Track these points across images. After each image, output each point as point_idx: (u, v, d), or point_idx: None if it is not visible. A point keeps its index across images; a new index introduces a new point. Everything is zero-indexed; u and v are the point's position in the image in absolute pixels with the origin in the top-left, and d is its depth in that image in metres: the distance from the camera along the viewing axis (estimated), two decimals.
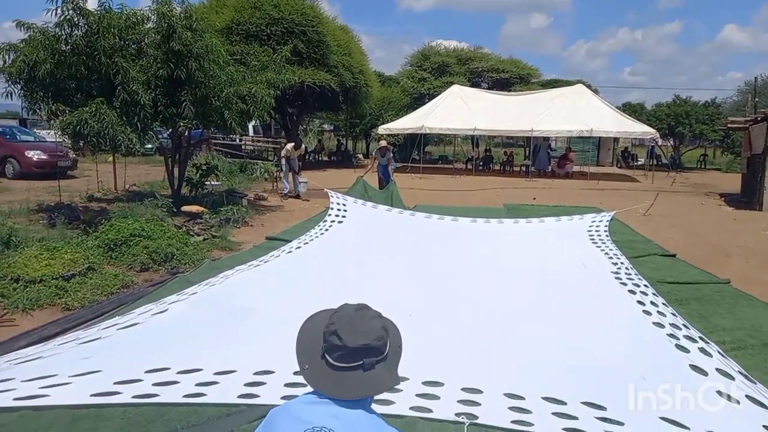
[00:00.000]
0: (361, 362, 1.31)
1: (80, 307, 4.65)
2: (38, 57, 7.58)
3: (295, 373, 3.24)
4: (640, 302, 5.00)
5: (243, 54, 16.04)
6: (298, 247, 6.92)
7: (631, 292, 5.32)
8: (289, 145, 13.19)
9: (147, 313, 4.50)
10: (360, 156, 31.35)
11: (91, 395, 3.00)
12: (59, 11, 7.60)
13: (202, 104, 8.97)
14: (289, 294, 5.08)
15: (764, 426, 2.76)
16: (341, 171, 22.34)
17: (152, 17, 8.77)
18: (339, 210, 9.22)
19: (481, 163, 24.74)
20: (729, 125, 17.54)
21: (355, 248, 7.26)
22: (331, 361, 1.32)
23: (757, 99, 20.39)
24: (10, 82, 8.17)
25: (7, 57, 8.01)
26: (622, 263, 6.49)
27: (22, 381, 3.14)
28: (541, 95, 24.52)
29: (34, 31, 7.88)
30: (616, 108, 24.36)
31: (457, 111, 22.67)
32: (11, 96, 8.38)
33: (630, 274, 5.94)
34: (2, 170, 14.05)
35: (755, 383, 3.37)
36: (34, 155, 14.05)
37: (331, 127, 40.53)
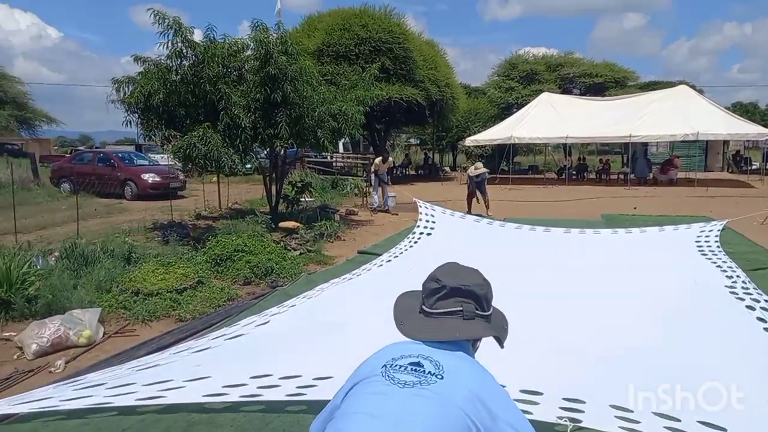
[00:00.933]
0: (461, 308, 1.29)
1: (192, 319, 5.03)
2: (153, 87, 8.34)
3: None
4: (760, 319, 4.57)
5: (333, 74, 16.73)
6: (389, 261, 7.04)
7: (750, 308, 4.88)
8: (378, 159, 13.50)
9: (251, 324, 4.79)
10: (447, 169, 31.29)
11: (203, 396, 3.25)
12: (170, 44, 8.33)
13: (297, 124, 9.40)
14: (379, 306, 5.17)
15: None
16: (428, 184, 22.42)
17: (251, 44, 9.37)
18: (428, 221, 9.26)
19: (574, 172, 23.80)
20: None
21: (444, 259, 7.25)
22: (429, 309, 1.30)
23: None
24: (129, 112, 9.05)
25: (126, 89, 8.86)
26: (738, 276, 5.96)
27: (142, 385, 3.46)
28: (640, 98, 23.18)
29: (148, 64, 8.69)
30: (724, 109, 22.51)
31: (548, 119, 22.03)
32: (130, 124, 9.26)
33: (748, 289, 5.45)
34: (122, 192, 15.51)
35: None
36: (150, 178, 15.46)
37: (418, 141, 40.88)
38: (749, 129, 19.26)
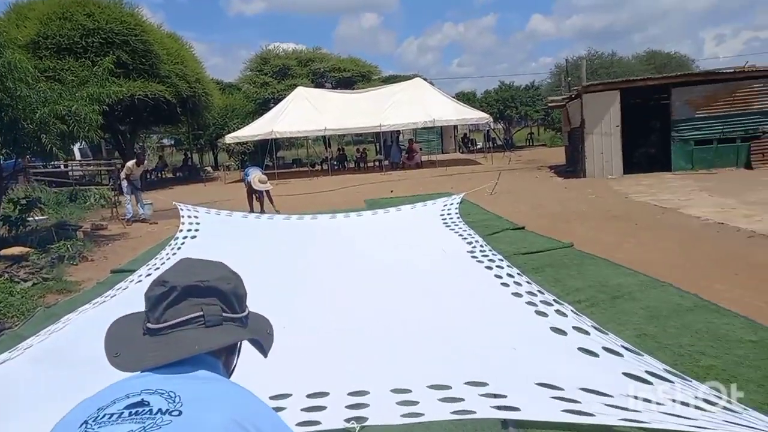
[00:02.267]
0: (200, 313, 0.95)
1: None
2: None
3: None
4: (497, 276, 5.31)
5: (56, 70, 14.35)
6: (149, 275, 6.27)
7: (488, 268, 5.64)
8: (130, 163, 11.91)
9: None
10: (209, 168, 29.81)
11: None
12: None
13: (12, 130, 7.76)
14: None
15: (623, 373, 3.02)
16: (190, 186, 21.05)
17: None
18: (191, 224, 8.58)
19: (335, 163, 24.90)
20: (549, 104, 19.68)
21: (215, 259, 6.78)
22: (154, 325, 0.95)
23: (569, 78, 23.12)
24: None
25: None
26: (476, 241, 6.86)
27: None
28: (384, 90, 25.33)
29: None
30: (452, 97, 26.02)
31: (306, 113, 22.53)
32: None
33: (484, 251, 6.30)
34: None
35: (607, 334, 3.71)
36: None
37: (173, 142, 38.05)
38: (473, 114, 22.64)
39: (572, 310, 4.17)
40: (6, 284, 5.86)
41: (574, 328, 3.81)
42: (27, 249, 7.71)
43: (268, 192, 11.42)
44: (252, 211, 11.16)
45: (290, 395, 3.04)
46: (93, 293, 5.82)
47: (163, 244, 8.55)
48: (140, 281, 5.97)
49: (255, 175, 11.23)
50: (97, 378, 3.57)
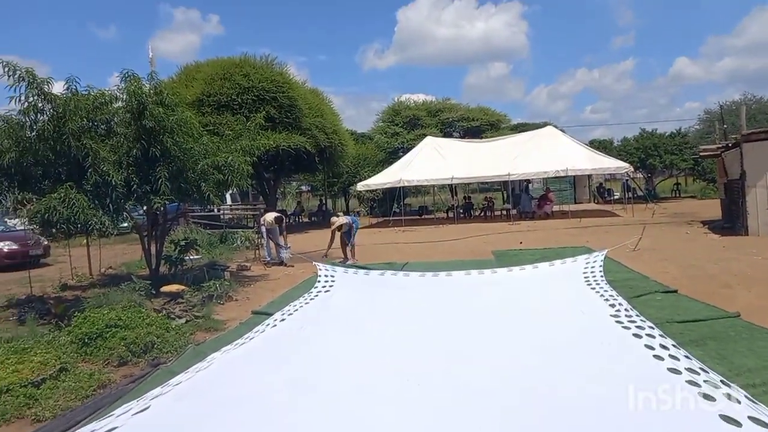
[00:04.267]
0: None
1: (52, 417, 4.19)
2: (2, 146, 7.35)
3: None
4: (648, 346, 4.75)
5: (216, 124, 16.09)
6: (283, 319, 6.57)
7: (636, 336, 5.08)
8: (269, 217, 12.71)
9: (127, 413, 4.09)
10: (340, 214, 31.20)
11: None
12: (22, 98, 7.41)
13: (178, 178, 8.75)
14: (274, 374, 4.74)
15: None
16: (323, 231, 22.07)
17: (120, 96, 8.65)
18: (327, 279, 8.93)
19: (461, 211, 24.78)
20: (701, 153, 17.92)
21: (345, 315, 6.94)
22: None
23: (725, 125, 20.99)
24: None
25: None
26: (620, 304, 6.27)
27: None
28: (513, 139, 25.00)
29: None
30: (585, 145, 24.87)
31: (433, 161, 22.88)
32: None
33: (631, 316, 5.72)
34: None
35: None
36: (4, 246, 13.56)
37: (309, 188, 40.60)
38: (609, 163, 21.35)
39: (746, 396, 3.58)
40: (164, 320, 6.47)
41: (750, 418, 3.24)
42: (183, 287, 8.51)
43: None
44: (345, 258, 12.00)
45: None
46: (236, 333, 6.21)
47: (299, 287, 8.97)
48: (275, 326, 6.28)
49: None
50: (228, 417, 3.73)
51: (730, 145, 14.01)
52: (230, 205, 25.16)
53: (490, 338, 5.48)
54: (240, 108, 19.06)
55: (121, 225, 15.09)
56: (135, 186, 8.36)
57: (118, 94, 8.66)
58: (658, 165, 29.47)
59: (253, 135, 10.60)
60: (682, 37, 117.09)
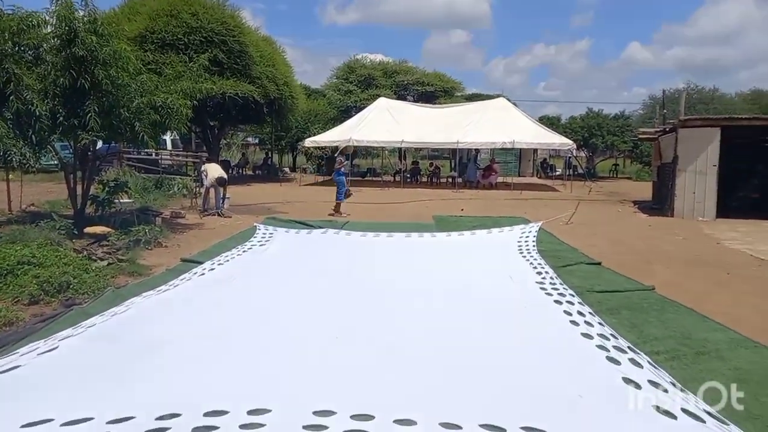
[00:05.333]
0: None
1: None
2: None
3: (206, 415, 2.87)
4: (566, 312, 4.96)
5: (158, 63, 15.17)
6: (212, 269, 6.41)
7: (557, 302, 5.29)
8: (213, 172, 12.02)
9: (32, 353, 3.90)
10: (287, 170, 30.65)
11: None
12: None
13: (109, 115, 8.25)
14: (196, 322, 4.62)
15: None
16: (267, 185, 21.68)
17: (51, 20, 7.98)
18: (265, 233, 8.77)
19: (408, 176, 24.85)
20: (640, 136, 18.61)
21: (278, 269, 6.84)
22: None
23: (665, 111, 21.81)
24: None
25: None
26: (546, 272, 6.51)
27: None
28: (466, 108, 25.02)
29: None
30: (535, 120, 25.30)
31: (385, 123, 22.67)
32: None
33: (555, 284, 5.94)
34: None
35: (688, 393, 3.32)
36: None
37: (256, 141, 39.55)
38: (555, 139, 21.83)
39: (648, 361, 3.79)
40: (84, 262, 6.17)
41: (650, 382, 3.43)
42: (109, 229, 8.13)
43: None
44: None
45: (334, 413, 2.91)
46: (161, 279, 6.01)
47: (235, 238, 8.78)
48: (203, 274, 6.11)
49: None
50: (141, 362, 3.59)
51: (667, 129, 14.59)
52: (170, 151, 24.15)
53: (422, 299, 5.57)
54: (185, 48, 18.10)
55: (48, 162, 14.27)
56: (61, 118, 7.85)
57: (48, 18, 7.99)
58: (600, 145, 30.43)
59: (196, 77, 10.08)
60: (637, 21, 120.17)
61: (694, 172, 12.51)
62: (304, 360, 3.84)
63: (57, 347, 3.96)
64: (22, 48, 8.04)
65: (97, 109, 7.89)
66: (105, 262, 6.55)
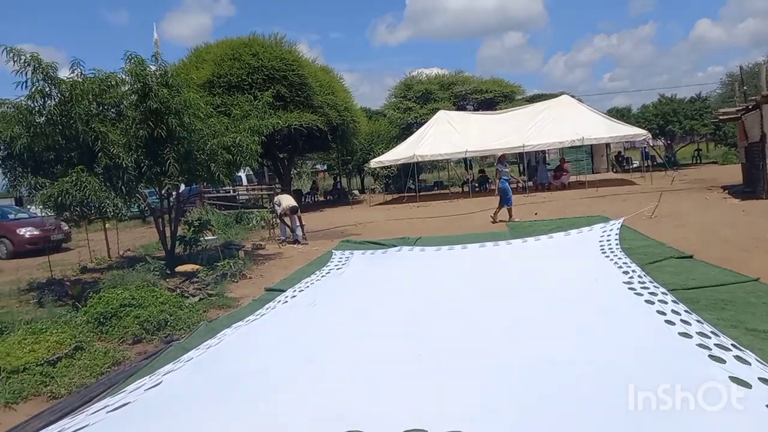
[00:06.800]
0: None
1: (67, 394, 4.30)
2: (13, 132, 7.45)
3: None
4: (660, 312, 4.67)
5: (226, 105, 16.08)
6: (294, 296, 6.61)
7: (649, 302, 5.00)
8: (285, 203, 12.40)
9: (140, 389, 4.18)
10: (356, 192, 31.23)
11: None
12: (29, 83, 7.46)
13: (187, 159, 8.80)
14: (284, 349, 4.77)
15: None
16: (338, 209, 22.18)
17: (128, 78, 8.67)
18: (341, 257, 8.95)
19: (476, 185, 24.58)
20: (720, 117, 17.42)
21: (357, 291, 6.94)
22: None
23: (745, 88, 20.33)
24: None
25: None
26: (633, 271, 6.18)
27: None
28: (528, 110, 24.52)
29: (7, 107, 7.76)
30: (603, 114, 24.34)
31: (447, 135, 22.65)
32: None
33: (644, 283, 5.63)
34: None
35: None
36: (26, 232, 13.87)
37: (324, 167, 40.63)
38: (627, 131, 20.88)
39: (756, 359, 3.50)
40: (178, 299, 6.57)
41: (761, 379, 3.17)
42: (197, 267, 8.62)
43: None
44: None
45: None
46: (248, 310, 6.27)
47: (313, 263, 9.03)
48: (286, 302, 6.32)
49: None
50: (239, 390, 3.76)
51: (750, 107, 13.56)
52: (246, 186, 25.32)
53: (504, 311, 5.44)
54: (250, 88, 19.04)
55: (132, 209, 15.34)
56: (145, 168, 8.43)
57: (124, 77, 8.69)
58: (678, 131, 28.77)
59: (262, 114, 10.57)
60: None
61: None
62: (390, 380, 3.86)
63: (161, 382, 4.22)
64: (105, 107, 8.76)
65: (175, 156, 8.43)
66: (197, 298, 6.94)
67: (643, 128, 22.40)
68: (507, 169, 13.03)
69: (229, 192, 22.02)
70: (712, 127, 27.58)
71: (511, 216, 12.72)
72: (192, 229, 10.33)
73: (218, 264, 8.73)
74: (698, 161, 30.55)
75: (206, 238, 11.04)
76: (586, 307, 5.26)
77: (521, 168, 26.95)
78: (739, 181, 15.25)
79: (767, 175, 11.85)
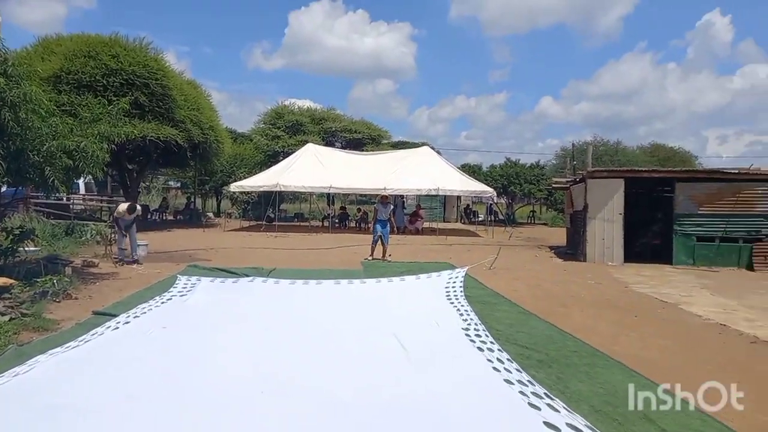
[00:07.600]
0: None
1: None
2: None
3: None
4: (489, 360, 5.08)
5: (73, 105, 14.55)
6: (127, 322, 6.05)
7: (480, 349, 5.42)
8: (122, 207, 11.82)
9: None
10: (210, 215, 29.82)
11: None
12: None
13: (17, 159, 7.75)
14: (108, 382, 4.31)
15: None
16: (189, 231, 20.95)
17: None
18: (186, 282, 8.41)
19: (336, 221, 24.92)
20: (553, 185, 19.84)
21: (200, 321, 6.55)
22: None
23: (575, 162, 23.45)
24: None
25: None
26: (472, 320, 6.67)
27: None
28: (392, 155, 25.77)
29: None
30: (457, 168, 26.38)
31: (313, 169, 22.79)
32: None
33: (478, 331, 6.10)
34: None
35: None
36: None
37: (178, 184, 38.33)
38: (477, 187, 22.82)
39: (564, 406, 3.95)
40: None
41: (568, 425, 3.59)
42: (11, 281, 7.49)
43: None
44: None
45: None
46: (70, 334, 5.59)
47: (153, 288, 8.37)
48: (117, 328, 5.75)
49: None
50: (43, 428, 3.30)
51: (577, 179, 15.66)
52: (83, 195, 22.86)
53: (351, 347, 5.52)
54: (104, 90, 17.51)
55: None
56: None
57: None
58: (518, 192, 32.14)
59: (115, 120, 9.74)
60: (549, 78, 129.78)
61: (603, 219, 13.45)
62: (227, 417, 3.68)
63: None
64: None
65: (2, 153, 7.41)
66: (6, 317, 5.99)
67: (490, 186, 24.65)
68: (387, 209, 13.30)
69: (62, 199, 19.69)
70: (546, 192, 31.24)
71: (384, 255, 13.13)
72: (10, 237, 9.00)
73: (38, 280, 7.68)
74: (533, 221, 34.29)
75: (27, 249, 9.67)
76: (426, 348, 5.54)
77: None
78: (564, 242, 17.38)
79: (586, 240, 13.66)
